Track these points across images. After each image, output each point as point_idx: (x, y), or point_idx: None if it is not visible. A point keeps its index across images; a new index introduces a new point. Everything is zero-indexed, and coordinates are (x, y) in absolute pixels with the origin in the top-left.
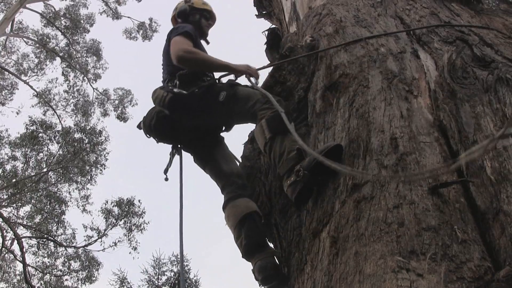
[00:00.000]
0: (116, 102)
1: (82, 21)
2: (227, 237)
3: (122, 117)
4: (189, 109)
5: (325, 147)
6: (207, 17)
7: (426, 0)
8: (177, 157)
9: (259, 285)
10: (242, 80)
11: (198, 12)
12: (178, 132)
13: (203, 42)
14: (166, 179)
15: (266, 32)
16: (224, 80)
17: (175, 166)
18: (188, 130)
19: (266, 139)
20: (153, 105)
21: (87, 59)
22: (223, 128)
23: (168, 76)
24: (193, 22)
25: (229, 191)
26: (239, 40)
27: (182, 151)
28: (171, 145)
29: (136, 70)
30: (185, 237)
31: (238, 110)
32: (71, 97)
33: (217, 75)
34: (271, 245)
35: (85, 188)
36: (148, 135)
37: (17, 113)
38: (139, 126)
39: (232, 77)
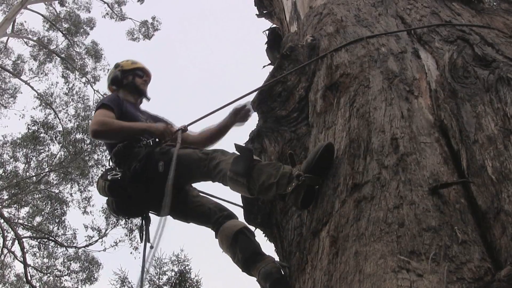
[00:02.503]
0: None
1: (82, 24)
2: None
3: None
4: (136, 186)
5: (317, 149)
6: (141, 75)
7: None
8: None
9: None
10: None
11: (130, 74)
12: (142, 204)
13: (144, 100)
14: (152, 247)
15: (267, 32)
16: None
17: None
18: (148, 201)
19: (244, 184)
20: None
21: (87, 61)
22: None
23: (110, 156)
24: (128, 85)
25: (217, 223)
26: (239, 40)
27: (150, 219)
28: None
29: None
30: (185, 236)
31: (184, 173)
32: (71, 99)
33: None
34: (268, 253)
35: (87, 190)
36: (116, 217)
37: (21, 116)
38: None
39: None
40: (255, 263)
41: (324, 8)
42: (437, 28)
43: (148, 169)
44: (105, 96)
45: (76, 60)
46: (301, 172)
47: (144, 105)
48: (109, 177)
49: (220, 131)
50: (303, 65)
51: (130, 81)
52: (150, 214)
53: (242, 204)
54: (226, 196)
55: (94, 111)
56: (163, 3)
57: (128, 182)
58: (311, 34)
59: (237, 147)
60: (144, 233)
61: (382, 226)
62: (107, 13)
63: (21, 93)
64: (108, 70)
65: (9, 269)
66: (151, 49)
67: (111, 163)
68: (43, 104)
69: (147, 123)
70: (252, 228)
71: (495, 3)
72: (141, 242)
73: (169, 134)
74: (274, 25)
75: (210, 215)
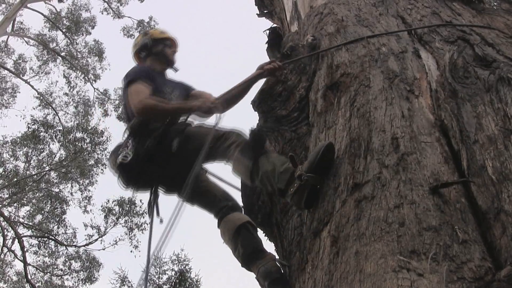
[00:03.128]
0: (117, 102)
1: (83, 22)
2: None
3: (122, 117)
4: (147, 165)
5: (318, 149)
6: (170, 45)
7: None
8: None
9: None
10: None
11: (160, 43)
12: (150, 180)
13: (171, 70)
14: (161, 221)
15: (268, 31)
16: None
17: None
18: (159, 177)
19: (249, 167)
20: None
21: (88, 59)
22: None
23: (126, 127)
24: (157, 53)
25: (221, 213)
26: (239, 40)
27: (159, 194)
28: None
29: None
30: (185, 236)
31: (197, 152)
32: (71, 100)
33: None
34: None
35: (87, 189)
36: (125, 189)
37: (22, 117)
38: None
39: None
40: (255, 260)
41: (324, 7)
42: (438, 28)
43: (162, 146)
44: (130, 71)
45: (77, 58)
46: (303, 172)
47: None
48: (120, 158)
49: (243, 88)
50: (294, 60)
51: (160, 50)
52: (158, 189)
53: (242, 202)
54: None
55: (126, 80)
56: (163, 2)
57: (140, 159)
58: (311, 34)
59: (252, 132)
60: (152, 207)
61: (382, 226)
62: (105, 9)
63: (19, 92)
64: (108, 69)
65: (10, 268)
66: None
67: (125, 136)
68: (43, 103)
69: (189, 104)
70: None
71: (495, 3)
72: (149, 216)
73: (212, 109)
74: (275, 25)
75: (215, 202)
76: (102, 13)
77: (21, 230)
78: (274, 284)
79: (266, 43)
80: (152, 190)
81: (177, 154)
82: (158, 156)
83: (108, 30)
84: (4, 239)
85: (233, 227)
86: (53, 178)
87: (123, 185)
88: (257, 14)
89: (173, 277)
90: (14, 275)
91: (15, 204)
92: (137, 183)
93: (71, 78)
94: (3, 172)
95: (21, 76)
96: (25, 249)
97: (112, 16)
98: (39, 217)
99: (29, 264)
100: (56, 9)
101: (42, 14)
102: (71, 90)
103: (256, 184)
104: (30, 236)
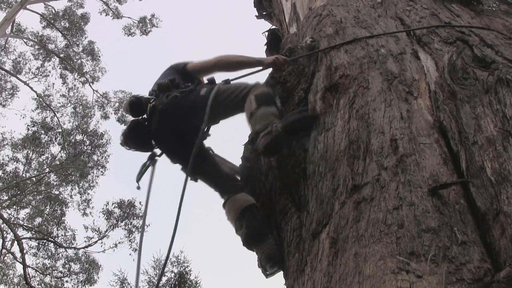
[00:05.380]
0: (117, 105)
1: (80, 21)
2: (228, 238)
3: (122, 120)
4: (160, 115)
5: (300, 114)
6: None
7: (426, 1)
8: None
9: (264, 271)
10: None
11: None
12: (156, 140)
13: None
14: (138, 188)
15: (266, 33)
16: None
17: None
18: (170, 139)
19: (252, 110)
20: None
21: (86, 61)
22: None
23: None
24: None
25: (229, 192)
26: (238, 41)
27: (156, 164)
28: (149, 154)
29: (135, 70)
30: (185, 237)
31: (225, 100)
32: (69, 101)
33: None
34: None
35: (86, 192)
36: (126, 146)
37: (22, 117)
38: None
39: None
40: (260, 242)
41: (323, 9)
42: (437, 29)
43: (187, 100)
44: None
45: (75, 60)
46: (276, 124)
47: None
48: (136, 96)
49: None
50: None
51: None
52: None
53: None
54: None
55: (179, 63)
56: (162, 2)
57: (160, 109)
58: (310, 35)
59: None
60: (145, 170)
61: (381, 228)
62: (103, 10)
63: (18, 91)
64: (106, 70)
65: (12, 270)
66: (147, 45)
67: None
68: (42, 105)
69: (255, 57)
70: None
71: (494, 5)
72: (139, 179)
73: (281, 63)
74: (274, 26)
75: (226, 179)
76: (101, 14)
77: (21, 232)
78: (274, 265)
79: (265, 44)
80: (151, 154)
81: (201, 101)
82: (178, 110)
83: (107, 31)
84: (4, 241)
85: (240, 208)
86: (52, 180)
87: (124, 140)
88: (256, 15)
89: (172, 279)
90: (16, 277)
91: (14, 206)
92: (139, 138)
93: (68, 79)
94: (3, 174)
95: (19, 77)
96: (24, 251)
97: (111, 16)
98: (38, 219)
99: (29, 266)
100: (54, 9)
101: (41, 15)
102: (70, 90)
103: (250, 126)
104: (30, 238)
